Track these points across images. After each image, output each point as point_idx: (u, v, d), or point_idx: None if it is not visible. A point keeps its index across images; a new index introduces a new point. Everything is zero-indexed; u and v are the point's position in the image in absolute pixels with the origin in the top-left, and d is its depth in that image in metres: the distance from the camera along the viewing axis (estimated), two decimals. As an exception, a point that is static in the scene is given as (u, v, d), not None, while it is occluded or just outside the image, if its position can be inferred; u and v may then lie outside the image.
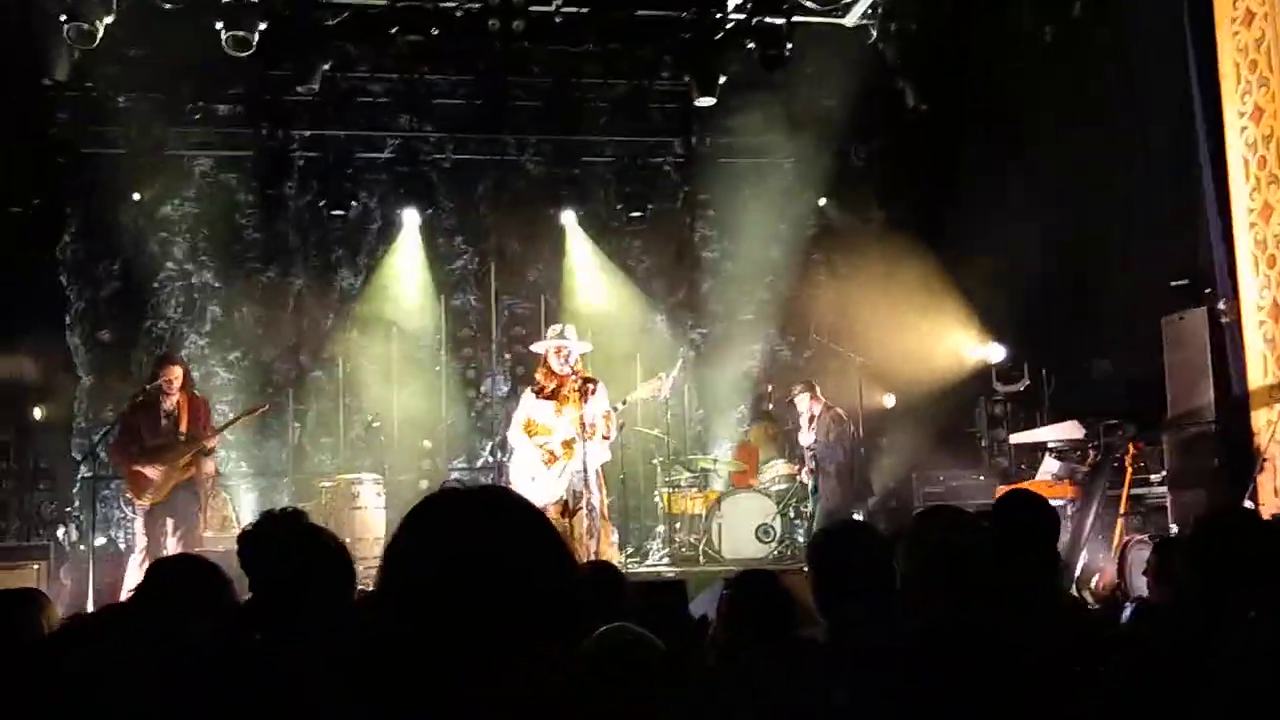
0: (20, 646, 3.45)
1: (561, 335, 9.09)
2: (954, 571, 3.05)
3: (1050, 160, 10.90)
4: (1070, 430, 9.92)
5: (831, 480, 10.60)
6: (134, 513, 9.29)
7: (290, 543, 2.72)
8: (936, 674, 2.71)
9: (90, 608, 8.51)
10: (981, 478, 11.43)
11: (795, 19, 11.23)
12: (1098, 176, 10.70)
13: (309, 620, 2.63)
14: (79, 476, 10.19)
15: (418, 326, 12.81)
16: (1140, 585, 7.42)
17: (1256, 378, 8.31)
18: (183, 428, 8.93)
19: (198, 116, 12.22)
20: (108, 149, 11.97)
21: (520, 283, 13.16)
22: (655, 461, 11.66)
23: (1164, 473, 8.90)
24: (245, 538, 3.01)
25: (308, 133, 12.43)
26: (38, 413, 11.13)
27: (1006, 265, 10.86)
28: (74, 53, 10.24)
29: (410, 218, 12.65)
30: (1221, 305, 8.65)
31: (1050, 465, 9.95)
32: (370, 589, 1.57)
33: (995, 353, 11.77)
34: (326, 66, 11.20)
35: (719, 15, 11.17)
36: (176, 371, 9.04)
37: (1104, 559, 8.64)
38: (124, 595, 7.46)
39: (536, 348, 9.45)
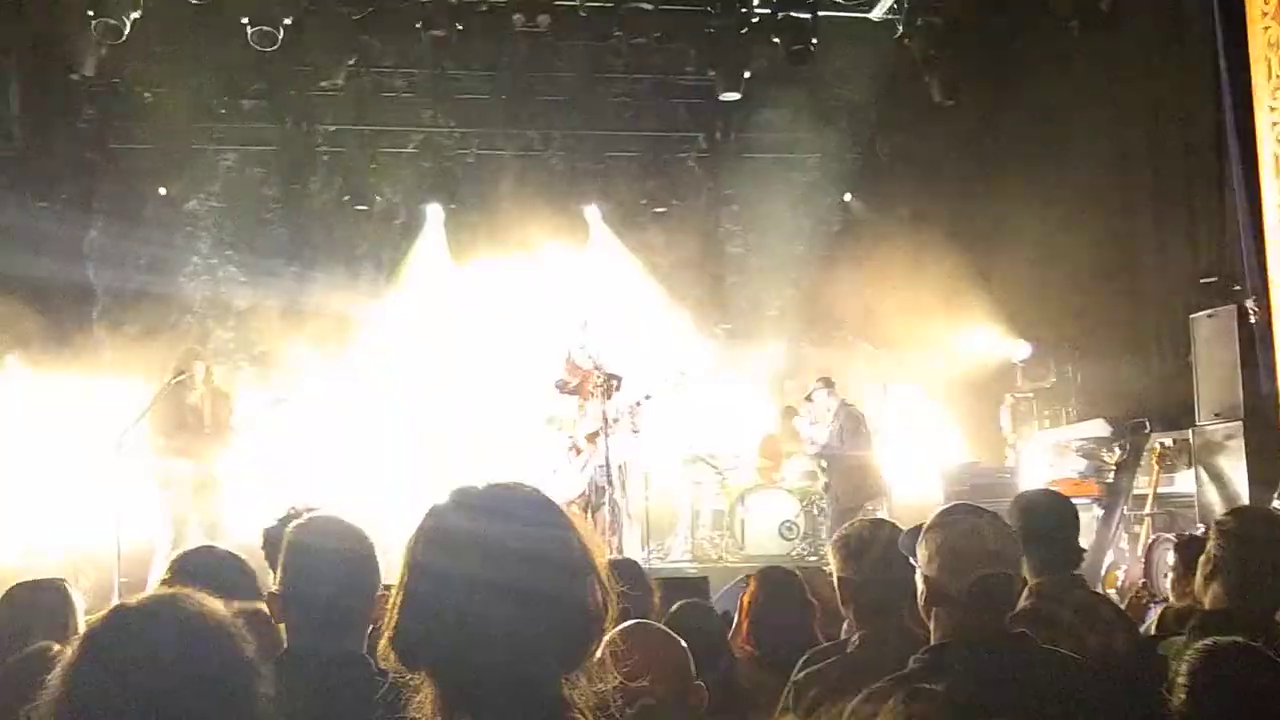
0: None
1: (584, 329, 9.09)
2: (974, 572, 3.02)
3: (1078, 156, 10.82)
4: (1096, 428, 9.86)
5: (841, 478, 10.55)
6: (159, 505, 9.34)
7: (311, 536, 2.72)
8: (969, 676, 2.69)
9: (115, 599, 8.57)
10: (1007, 475, 11.35)
11: (821, 13, 11.19)
12: (1126, 172, 10.62)
13: (333, 617, 2.62)
14: (104, 467, 10.22)
15: (441, 321, 12.82)
16: (1166, 585, 7.37)
17: (1286, 376, 8.23)
18: (207, 421, 8.98)
19: (223, 111, 12.27)
20: (134, 144, 12.04)
21: (544, 277, 13.15)
22: (678, 457, 11.63)
23: (1192, 471, 8.83)
24: (269, 532, 3.02)
25: (332, 128, 12.47)
26: (62, 404, 11.18)
27: (1033, 261, 10.80)
28: (101, 48, 10.28)
29: (434, 212, 12.67)
30: (1251, 303, 8.57)
31: (1076, 463, 9.89)
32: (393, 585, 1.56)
33: (1021, 349, 11.70)
34: (351, 62, 11.23)
35: (744, 10, 11.14)
36: (200, 367, 9.09)
37: (1130, 558, 8.59)
38: (149, 588, 7.49)
39: (559, 344, 9.46)
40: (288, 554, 2.70)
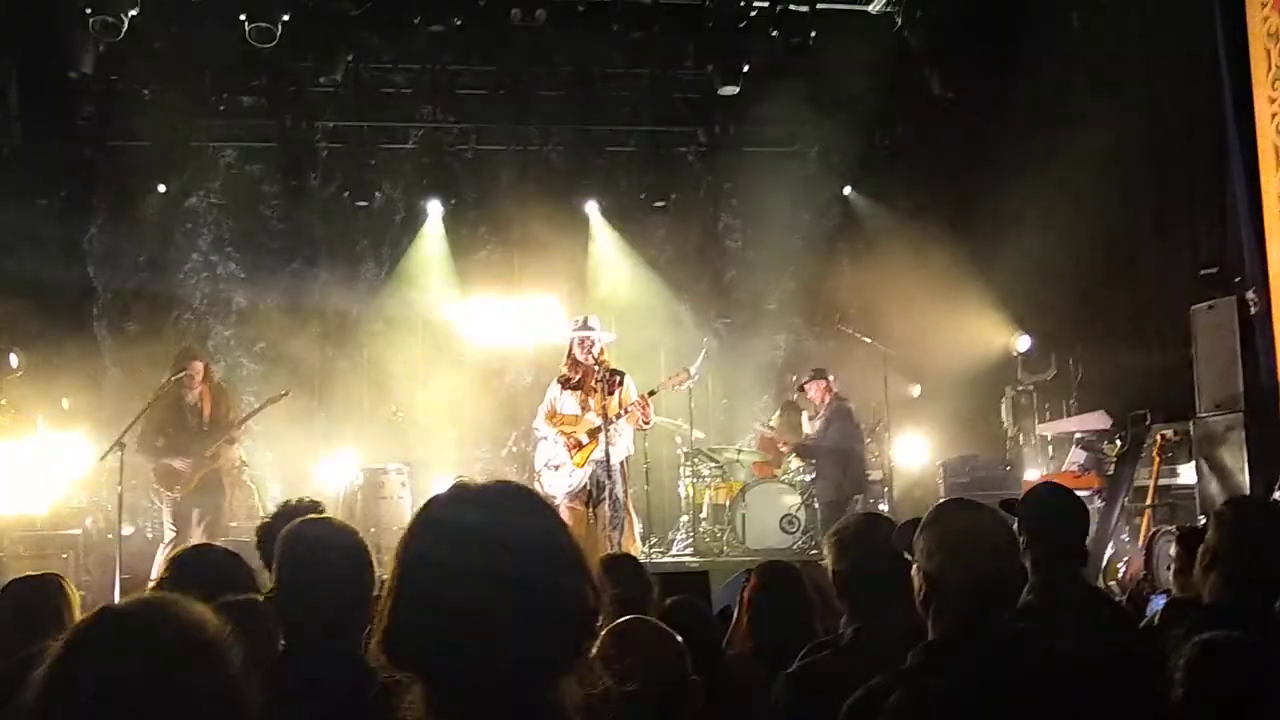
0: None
1: (585, 325, 9.08)
2: (972, 566, 3.01)
3: (1077, 148, 10.80)
4: (1097, 420, 9.86)
5: (824, 475, 10.54)
6: (161, 504, 9.35)
7: (307, 537, 2.72)
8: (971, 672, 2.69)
9: (117, 596, 8.59)
10: (1007, 468, 11.35)
11: (819, 6, 11.19)
12: (1126, 164, 10.60)
13: (328, 614, 2.62)
14: (106, 466, 10.23)
15: (441, 316, 12.83)
16: (1167, 578, 7.37)
17: (1287, 367, 8.23)
18: (206, 419, 9.00)
19: (222, 108, 12.27)
20: (133, 141, 12.03)
21: (543, 273, 13.15)
22: (679, 452, 11.64)
23: (1193, 463, 8.82)
24: (264, 529, 3.02)
25: (331, 124, 12.46)
26: (65, 402, 11.20)
27: (1033, 254, 10.78)
28: (100, 46, 10.28)
29: (434, 208, 12.67)
30: (1251, 294, 8.56)
31: (1077, 455, 9.89)
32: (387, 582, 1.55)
33: (1022, 342, 11.69)
34: (350, 57, 11.24)
35: (743, 3, 11.13)
36: (198, 366, 9.10)
37: (1131, 550, 8.58)
38: (149, 585, 7.50)
39: (560, 339, 9.45)
40: (282, 556, 2.70)
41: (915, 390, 12.40)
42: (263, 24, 10.09)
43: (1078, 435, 10.19)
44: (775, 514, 10.96)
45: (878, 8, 11.52)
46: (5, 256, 10.25)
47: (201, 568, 3.29)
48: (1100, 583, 7.98)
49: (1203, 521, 8.09)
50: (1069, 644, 3.14)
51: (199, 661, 1.51)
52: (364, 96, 12.35)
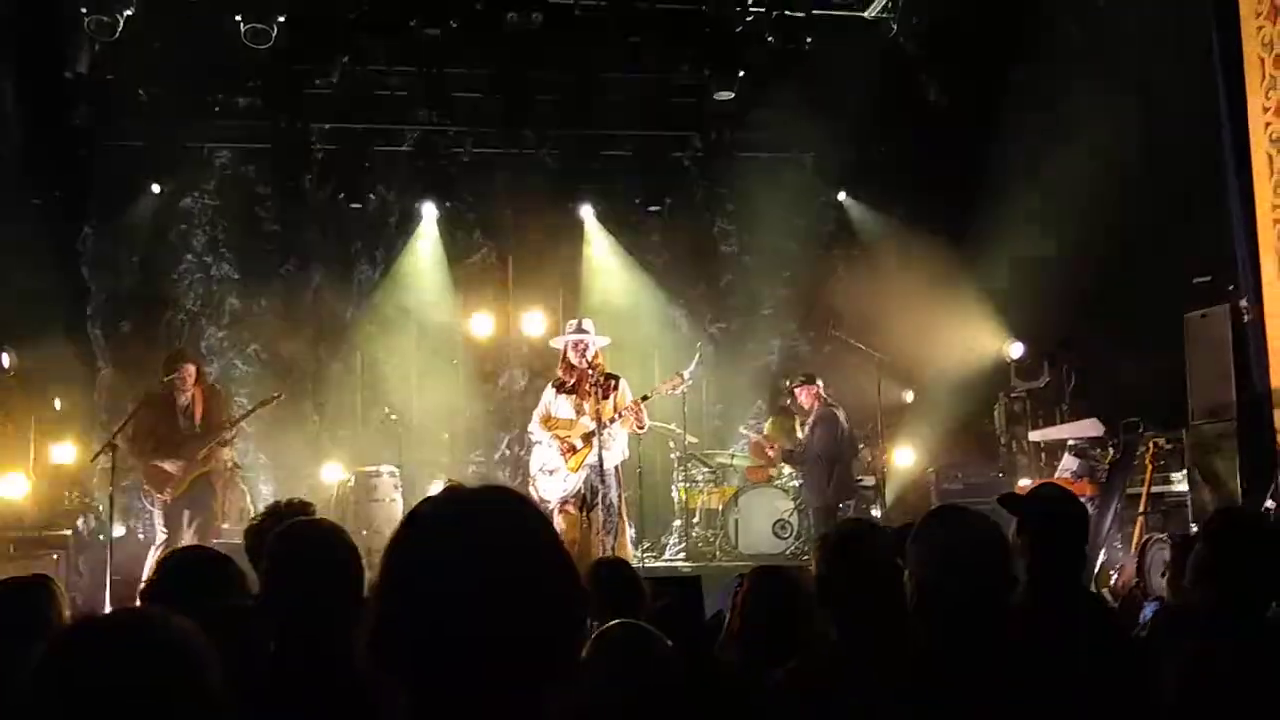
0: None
1: (579, 329, 9.08)
2: (972, 573, 3.01)
3: (1072, 155, 10.81)
4: (1090, 428, 9.87)
5: (811, 481, 10.54)
6: (152, 505, 9.33)
7: (293, 538, 2.71)
8: (962, 680, 2.68)
9: (108, 598, 8.57)
10: (1000, 475, 11.36)
11: (815, 12, 11.19)
12: (1120, 171, 10.61)
13: (315, 615, 2.61)
14: (97, 467, 10.23)
15: (435, 320, 12.82)
16: (1159, 585, 7.38)
17: (1279, 375, 8.23)
18: (198, 422, 8.98)
19: (217, 109, 12.23)
20: (128, 141, 12.01)
21: (539, 276, 13.14)
22: (673, 456, 11.64)
23: (1185, 471, 8.83)
24: (253, 531, 3.01)
25: (327, 126, 12.44)
26: (58, 403, 11.18)
27: (1027, 261, 10.80)
28: (95, 45, 10.27)
29: (429, 211, 12.65)
30: (1244, 302, 8.58)
31: (1069, 463, 9.90)
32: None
33: (1015, 349, 11.71)
34: (345, 60, 11.21)
35: (739, 9, 11.12)
36: (190, 369, 9.09)
37: (1124, 557, 8.59)
38: (140, 587, 7.48)
39: (555, 343, 9.45)
40: (269, 560, 2.69)
41: (908, 396, 12.41)
42: (258, 25, 10.08)
43: (1070, 442, 10.20)
44: (768, 519, 10.98)
45: (874, 14, 11.52)
46: (-1, 256, 10.22)
47: (191, 570, 3.28)
48: (1093, 589, 7.98)
49: (1195, 530, 8.10)
50: (1060, 649, 3.13)
51: (176, 676, 1.51)
52: (359, 99, 12.32)
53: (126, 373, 12.00)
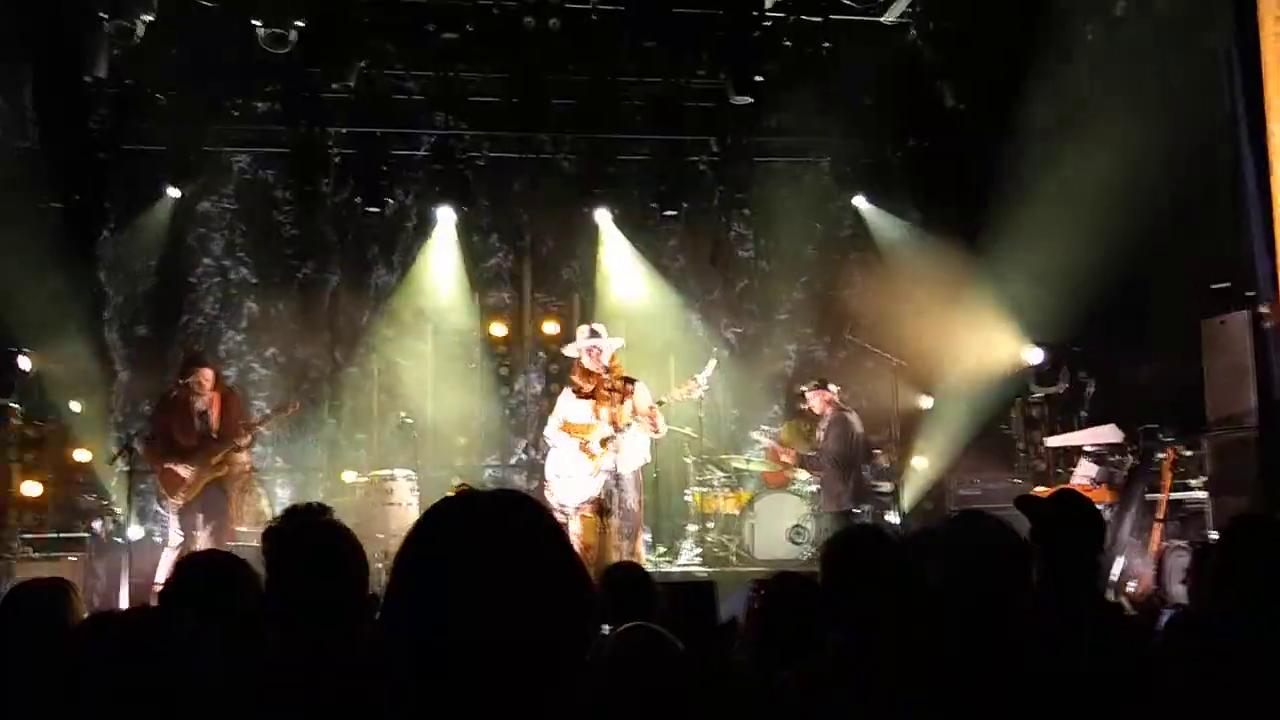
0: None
1: (592, 334, 9.08)
2: (989, 579, 2.99)
3: (1090, 160, 10.76)
4: (1108, 434, 9.82)
5: (827, 486, 10.50)
6: (165, 509, 9.36)
7: (302, 541, 2.71)
8: (974, 687, 2.67)
9: (125, 600, 8.60)
10: (1017, 481, 11.31)
11: (833, 17, 11.16)
12: (1139, 176, 10.56)
13: (316, 616, 2.62)
14: (115, 470, 10.28)
15: (452, 324, 12.83)
16: (1178, 592, 7.33)
17: (1299, 382, 8.18)
18: (215, 426, 9.00)
19: (235, 113, 12.29)
20: (146, 145, 12.07)
21: (554, 281, 13.17)
22: (688, 460, 11.63)
23: (1204, 478, 8.78)
24: (270, 534, 3.02)
25: (344, 130, 12.46)
26: (75, 406, 11.23)
27: (1045, 266, 10.75)
28: (114, 50, 10.30)
29: (445, 215, 12.66)
30: (1264, 308, 8.52)
31: (1088, 469, 9.85)
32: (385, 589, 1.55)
33: (1033, 354, 11.65)
34: (363, 64, 11.23)
35: (756, 13, 11.11)
36: (206, 374, 9.12)
37: (1142, 565, 8.54)
38: (155, 589, 7.51)
39: (569, 351, 9.44)
40: (267, 561, 2.71)
41: (926, 402, 12.36)
42: (276, 30, 10.09)
43: (1089, 448, 10.14)
44: (783, 524, 10.95)
45: (892, 19, 11.49)
46: (17, 259, 10.27)
47: (206, 573, 3.29)
48: (1111, 597, 7.94)
49: (1214, 537, 8.05)
50: (1073, 655, 3.12)
51: (180, 675, 1.52)
52: (377, 103, 12.35)
53: (143, 376, 12.06)
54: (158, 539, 10.87)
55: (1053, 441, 11.06)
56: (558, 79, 12.13)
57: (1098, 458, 9.94)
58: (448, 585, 1.41)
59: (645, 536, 9.65)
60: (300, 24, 10.16)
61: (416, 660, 1.40)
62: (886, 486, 11.41)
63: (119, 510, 10.55)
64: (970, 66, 11.37)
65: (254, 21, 10.08)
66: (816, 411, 10.69)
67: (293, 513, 3.16)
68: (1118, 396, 10.92)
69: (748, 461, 12.03)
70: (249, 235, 12.70)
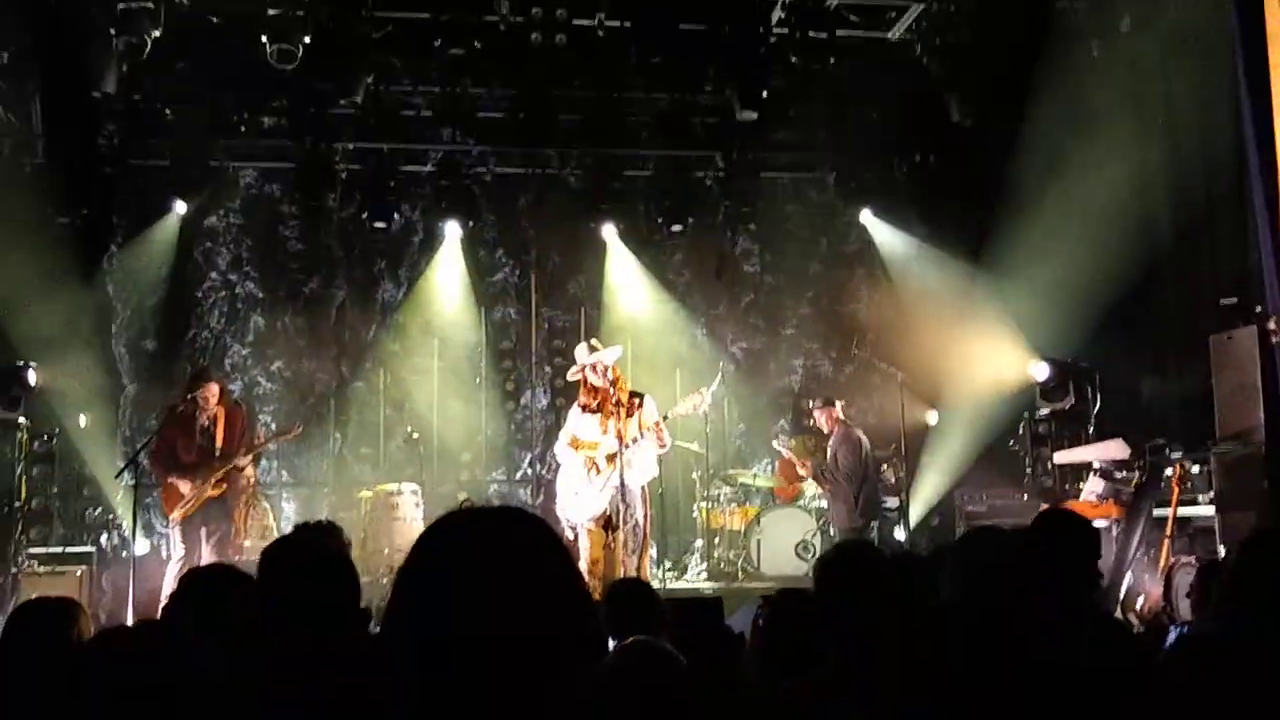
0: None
1: (592, 349, 9.09)
2: (1002, 595, 2.99)
3: (1097, 175, 10.77)
4: (1115, 449, 9.77)
5: (837, 502, 10.46)
6: (166, 524, 9.34)
7: (282, 555, 2.74)
8: (977, 699, 2.66)
9: (130, 614, 8.59)
10: (1024, 496, 11.28)
11: (839, 32, 11.18)
12: (1146, 192, 10.56)
13: (308, 626, 2.63)
14: (122, 484, 10.29)
15: (458, 339, 12.84)
16: (1186, 608, 7.30)
17: (1307, 397, 8.16)
18: (219, 443, 8.98)
19: (242, 129, 12.34)
20: (154, 160, 12.11)
21: (561, 295, 13.17)
22: (695, 475, 11.61)
23: (1212, 494, 8.75)
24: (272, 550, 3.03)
25: (351, 145, 12.50)
26: (83, 420, 11.24)
27: (1052, 281, 10.74)
28: (122, 65, 10.35)
29: (452, 230, 12.67)
30: (1272, 324, 8.50)
31: (1095, 485, 9.80)
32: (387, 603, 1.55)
33: (1040, 370, 11.62)
34: (369, 79, 11.27)
35: (762, 29, 11.13)
36: (213, 389, 9.10)
37: (1150, 581, 8.50)
38: (161, 603, 7.50)
39: (572, 375, 9.43)
40: (258, 576, 2.73)
41: (932, 417, 12.33)
42: (284, 45, 10.13)
43: (1096, 464, 10.11)
44: (790, 540, 10.94)
45: (897, 34, 11.52)
46: (25, 274, 10.30)
47: (210, 587, 3.29)
48: (1119, 614, 7.90)
49: (1222, 553, 8.02)
50: (1082, 672, 3.10)
51: (182, 688, 1.54)
52: (384, 118, 12.39)
53: (151, 391, 12.08)
54: (165, 554, 10.88)
55: (1060, 457, 11.02)
56: (564, 95, 12.17)
57: (1105, 474, 9.90)
58: (450, 595, 1.42)
59: (652, 552, 9.61)
60: (307, 39, 10.19)
61: (417, 667, 1.40)
62: (893, 502, 11.39)
63: (125, 524, 10.56)
64: (976, 82, 11.38)
65: (262, 37, 10.11)
66: (826, 429, 10.65)
67: (303, 529, 3.17)
68: (1125, 412, 10.89)
69: (754, 477, 12.01)
70: (256, 250, 12.74)
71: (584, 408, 9.13)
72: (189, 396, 9.00)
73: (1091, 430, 11.17)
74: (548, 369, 12.98)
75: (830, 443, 10.53)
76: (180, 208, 12.13)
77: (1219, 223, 9.82)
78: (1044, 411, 11.62)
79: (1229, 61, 9.00)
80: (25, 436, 10.50)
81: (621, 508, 8.71)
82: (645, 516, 8.97)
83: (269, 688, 2.35)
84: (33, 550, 10.22)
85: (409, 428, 11.78)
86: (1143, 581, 8.63)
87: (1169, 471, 8.89)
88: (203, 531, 8.85)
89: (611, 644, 3.07)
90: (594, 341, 9.23)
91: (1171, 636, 5.30)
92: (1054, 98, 11.07)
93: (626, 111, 12.67)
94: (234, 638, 2.65)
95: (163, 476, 9.01)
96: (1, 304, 10.43)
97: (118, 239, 12.27)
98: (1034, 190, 11.17)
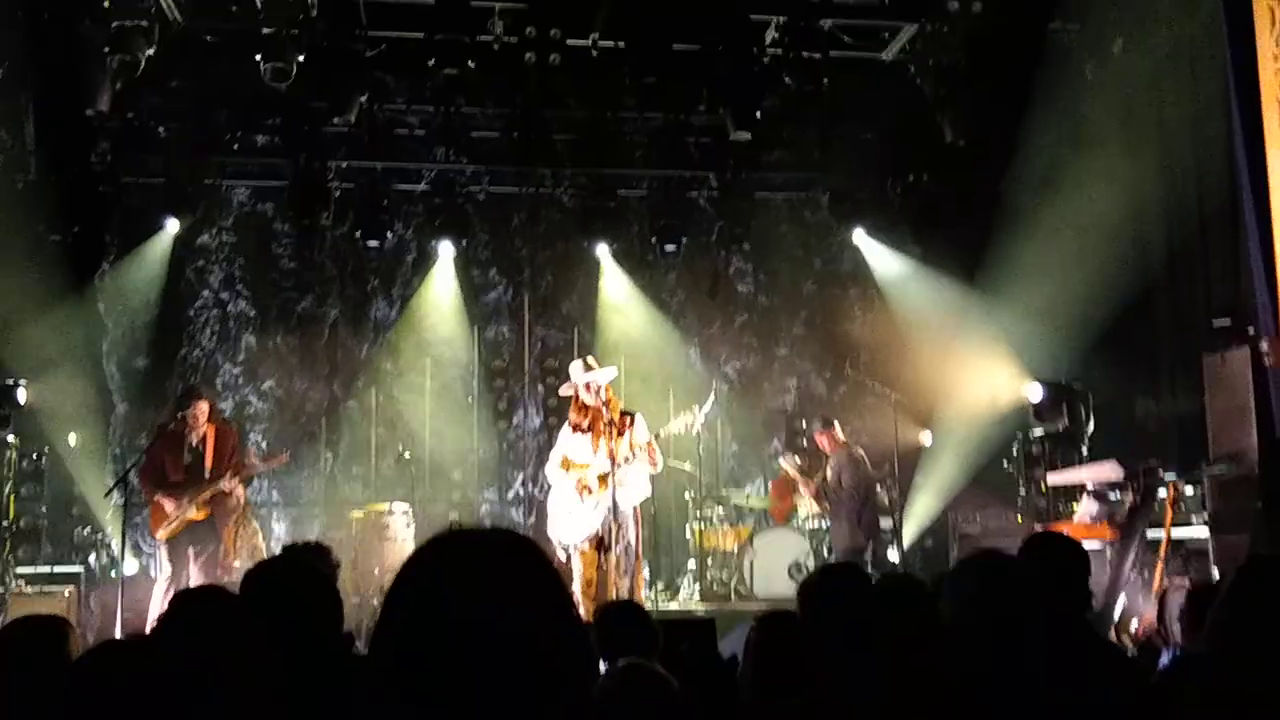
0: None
1: (588, 367, 9.06)
2: (1000, 620, 2.97)
3: (1090, 195, 10.80)
4: (1109, 471, 9.76)
5: (840, 522, 10.43)
6: (159, 543, 9.28)
7: (274, 579, 2.73)
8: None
9: (118, 634, 8.53)
10: (1018, 518, 11.26)
11: (833, 53, 11.21)
12: (1139, 213, 10.59)
13: (292, 654, 2.61)
14: (111, 503, 10.24)
15: (451, 358, 12.81)
16: (1179, 631, 7.27)
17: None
18: (208, 464, 8.93)
19: (236, 147, 12.33)
20: (146, 178, 12.09)
21: (554, 315, 13.16)
22: (688, 496, 11.58)
23: (1206, 515, 8.73)
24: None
25: (344, 164, 12.47)
26: (72, 438, 11.19)
27: (1045, 302, 10.76)
28: (116, 83, 10.34)
29: (445, 249, 12.66)
30: (1264, 345, 8.51)
31: (1089, 506, 9.79)
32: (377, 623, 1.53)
33: (1033, 391, 11.62)
34: (364, 98, 11.26)
35: (756, 49, 11.15)
36: (203, 407, 9.05)
37: (1143, 603, 8.48)
38: (149, 623, 7.45)
39: (565, 391, 9.41)
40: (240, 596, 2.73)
41: (926, 438, 12.32)
42: (278, 64, 10.13)
43: (1089, 486, 10.10)
44: (783, 561, 10.90)
45: (891, 55, 11.55)
46: (17, 291, 10.27)
47: (200, 608, 3.26)
48: (1113, 636, 7.87)
49: (1216, 575, 8.00)
50: (1073, 695, 3.08)
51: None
52: (377, 137, 12.38)
53: (142, 409, 12.03)
54: (153, 575, 10.82)
55: (1054, 479, 11.01)
56: (558, 114, 12.18)
57: (1098, 495, 9.89)
58: (439, 617, 1.40)
59: (644, 573, 9.58)
60: (301, 58, 10.20)
61: (407, 688, 1.38)
62: (887, 523, 11.36)
63: (114, 544, 10.50)
64: (969, 103, 11.40)
65: (256, 56, 10.11)
66: (828, 451, 10.63)
67: (291, 550, 3.16)
68: (1118, 433, 10.89)
69: (748, 497, 11.98)
70: (248, 268, 12.71)
71: (575, 427, 9.10)
72: (179, 414, 8.95)
73: (1085, 451, 11.15)
74: (540, 389, 12.96)
75: (832, 463, 10.51)
76: (173, 226, 12.09)
77: (1212, 244, 9.84)
78: (1037, 432, 11.61)
79: (1220, 83, 9.03)
80: (14, 455, 10.43)
81: (614, 528, 8.68)
82: (637, 537, 8.93)
83: (251, 711, 2.33)
84: (21, 570, 10.14)
85: (402, 448, 11.74)
86: (1136, 603, 8.60)
87: (1163, 493, 8.88)
88: (190, 551, 8.79)
89: (603, 666, 3.05)
90: (590, 359, 9.21)
91: (1164, 660, 5.28)
92: (1047, 119, 11.12)
93: (620, 131, 12.67)
94: (221, 660, 2.62)
95: (150, 494, 8.96)
96: (-8, 321, 10.40)
97: (110, 257, 12.23)
98: (1027, 211, 11.20)
